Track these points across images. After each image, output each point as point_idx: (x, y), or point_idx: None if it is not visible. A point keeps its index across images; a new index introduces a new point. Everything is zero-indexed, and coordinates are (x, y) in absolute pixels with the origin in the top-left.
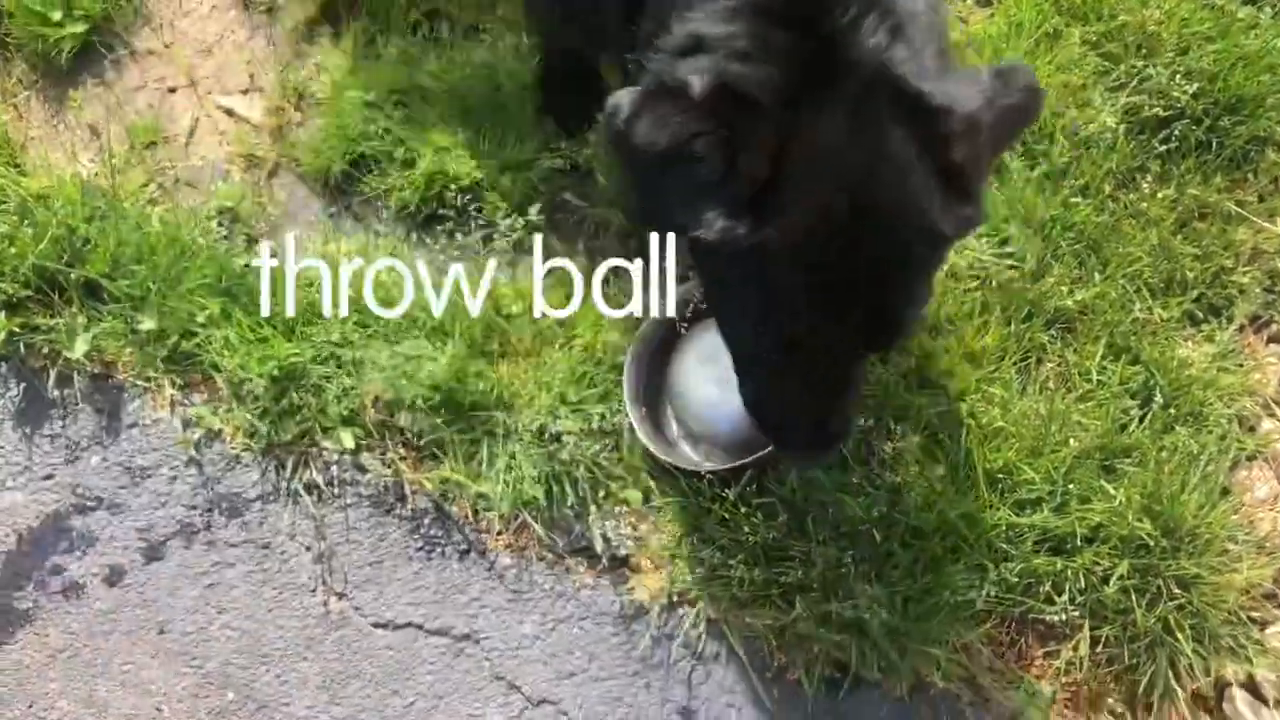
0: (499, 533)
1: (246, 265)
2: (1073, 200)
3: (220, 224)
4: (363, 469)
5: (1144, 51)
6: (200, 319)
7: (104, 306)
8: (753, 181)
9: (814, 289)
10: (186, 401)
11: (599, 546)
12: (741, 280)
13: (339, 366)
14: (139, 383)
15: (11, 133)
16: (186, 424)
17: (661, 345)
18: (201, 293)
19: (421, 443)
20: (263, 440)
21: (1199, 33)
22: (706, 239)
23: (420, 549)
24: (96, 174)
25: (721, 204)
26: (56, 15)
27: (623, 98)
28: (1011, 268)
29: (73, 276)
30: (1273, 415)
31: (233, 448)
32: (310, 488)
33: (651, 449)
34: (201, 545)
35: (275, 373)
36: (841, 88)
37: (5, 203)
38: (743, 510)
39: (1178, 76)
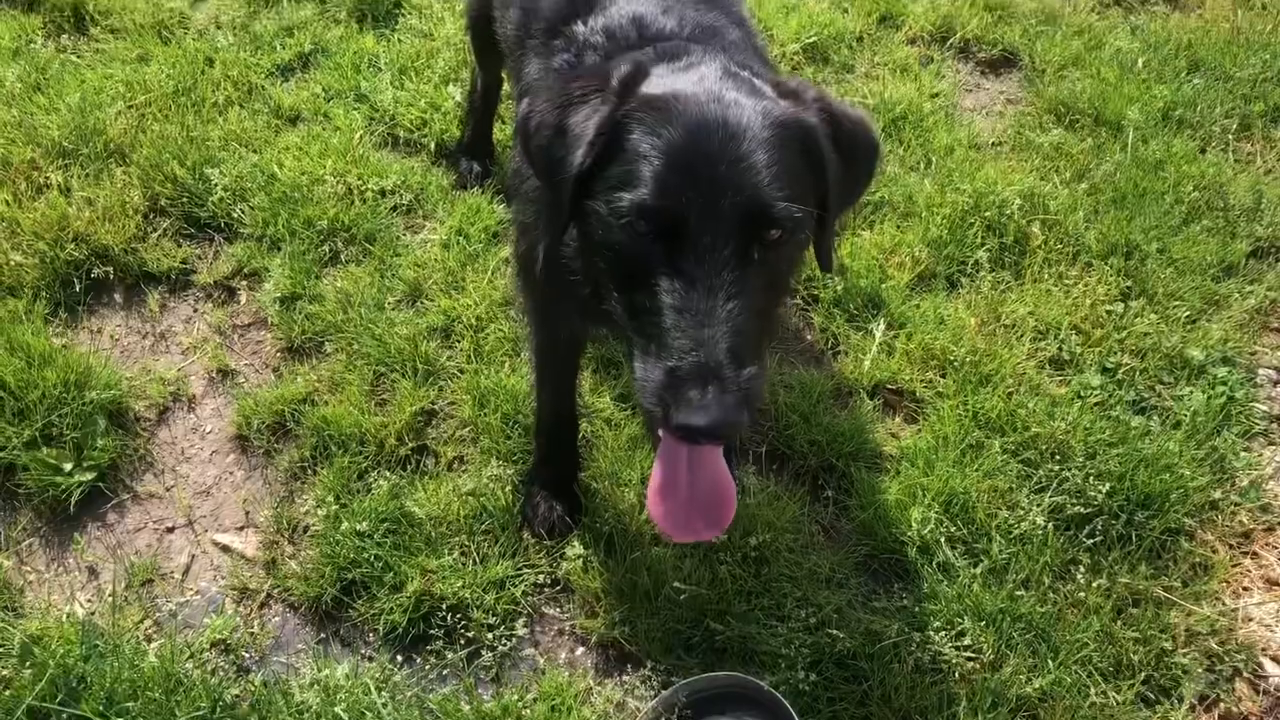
0: None
1: (238, 695)
2: (1017, 593)
3: (213, 656)
4: None
5: (1058, 457)
6: None
7: None
8: None
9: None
10: None
11: None
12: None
13: None
14: None
15: (12, 577)
16: None
17: None
18: None
19: None
20: None
21: (1102, 440)
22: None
23: None
24: (94, 612)
25: None
26: (68, 466)
27: None
28: (971, 659)
29: (65, 716)
30: None
31: None
32: None
33: None
34: None
35: None
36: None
37: (6, 644)
38: None
39: (1091, 478)
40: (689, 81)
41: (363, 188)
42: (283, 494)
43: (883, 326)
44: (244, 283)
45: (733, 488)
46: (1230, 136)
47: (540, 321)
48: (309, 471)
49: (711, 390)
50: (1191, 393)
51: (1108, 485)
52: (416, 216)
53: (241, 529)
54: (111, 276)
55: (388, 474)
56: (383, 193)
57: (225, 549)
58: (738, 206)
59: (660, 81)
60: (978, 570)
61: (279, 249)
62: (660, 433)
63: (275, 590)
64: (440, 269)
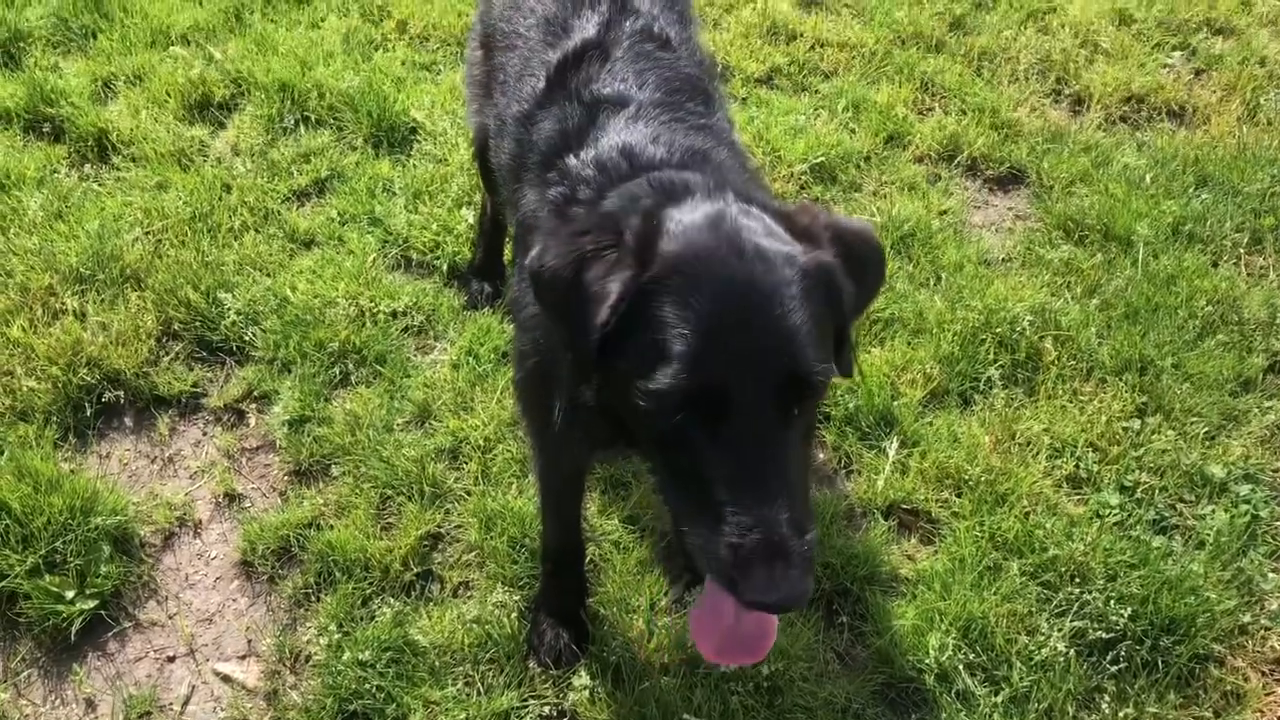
0: None
1: None
2: None
3: None
4: None
5: (1078, 580)
6: None
7: None
8: None
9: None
10: None
11: None
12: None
13: None
14: None
15: (9, 711)
16: None
17: None
18: None
19: None
20: None
21: (1123, 561)
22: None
23: None
24: None
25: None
26: (70, 594)
27: None
28: None
29: None
30: None
31: None
32: None
33: None
34: None
35: None
36: None
37: None
38: None
39: (1113, 601)
40: (705, 228)
41: (375, 309)
42: (285, 621)
43: (896, 445)
44: (254, 405)
45: (775, 622)
46: (1242, 250)
47: (544, 447)
48: (312, 598)
49: (778, 567)
50: (1214, 511)
51: (1130, 609)
52: (428, 337)
53: (243, 658)
54: (122, 400)
55: (391, 600)
56: (394, 314)
57: (226, 679)
58: (779, 374)
59: (677, 232)
60: (998, 699)
61: (290, 371)
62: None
63: None
64: (449, 389)
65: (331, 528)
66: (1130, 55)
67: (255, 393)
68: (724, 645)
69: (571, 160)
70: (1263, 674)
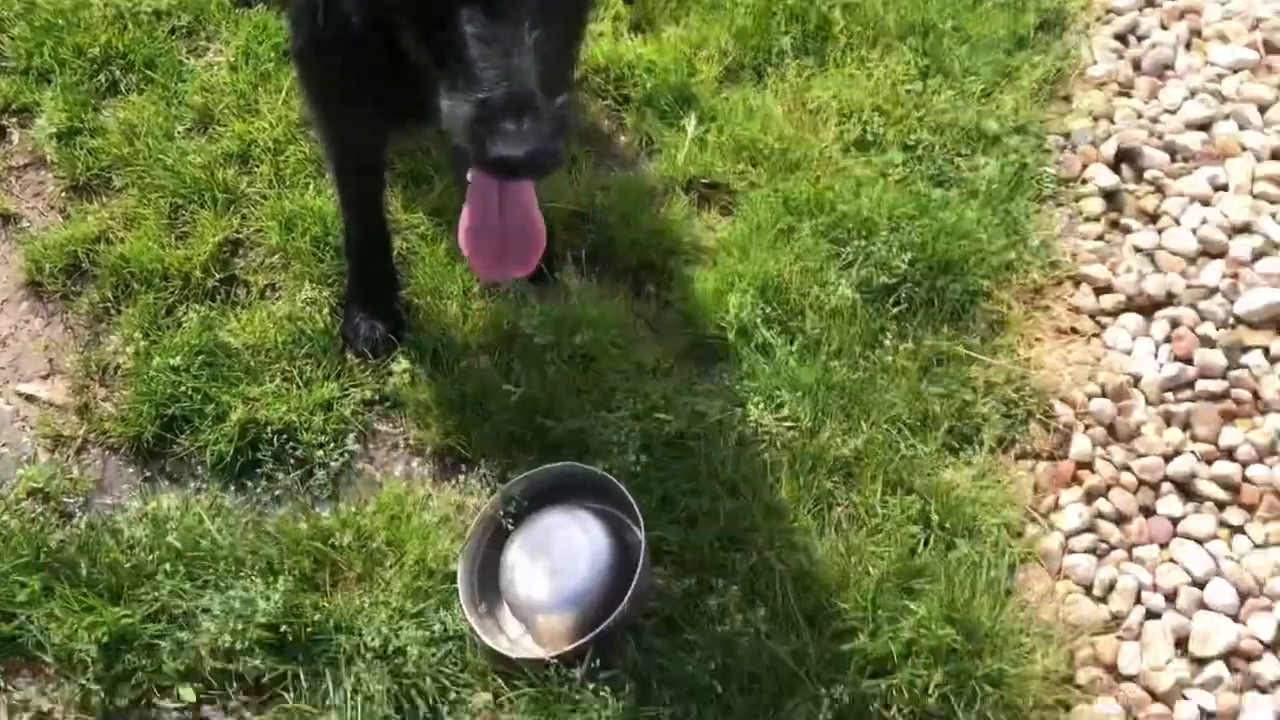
0: None
1: (63, 540)
2: (831, 364)
3: (32, 504)
4: None
5: (864, 233)
6: (21, 597)
7: None
8: None
9: None
10: (11, 687)
11: None
12: None
13: (171, 621)
14: None
15: None
16: (13, 711)
17: (491, 543)
18: (19, 573)
19: (264, 682)
20: (98, 711)
21: (905, 213)
22: None
23: None
24: None
25: None
26: None
27: None
28: (790, 429)
29: None
30: (1034, 521)
31: None
32: None
33: (494, 647)
34: None
35: (105, 638)
36: None
37: None
38: (590, 687)
39: (895, 249)
40: None
41: (135, 9)
42: (87, 337)
43: (694, 122)
44: (14, 120)
45: (543, 228)
46: None
47: (332, 123)
48: (112, 312)
49: (527, 121)
50: (987, 163)
51: (910, 255)
52: (199, 39)
53: (46, 377)
54: None
55: (197, 307)
56: (158, 15)
57: (30, 399)
58: None
59: None
60: (794, 347)
61: (49, 81)
62: (471, 175)
63: (91, 434)
64: (230, 92)
65: (122, 240)
66: None
67: (14, 106)
68: (493, 256)
69: None
70: (1024, 303)
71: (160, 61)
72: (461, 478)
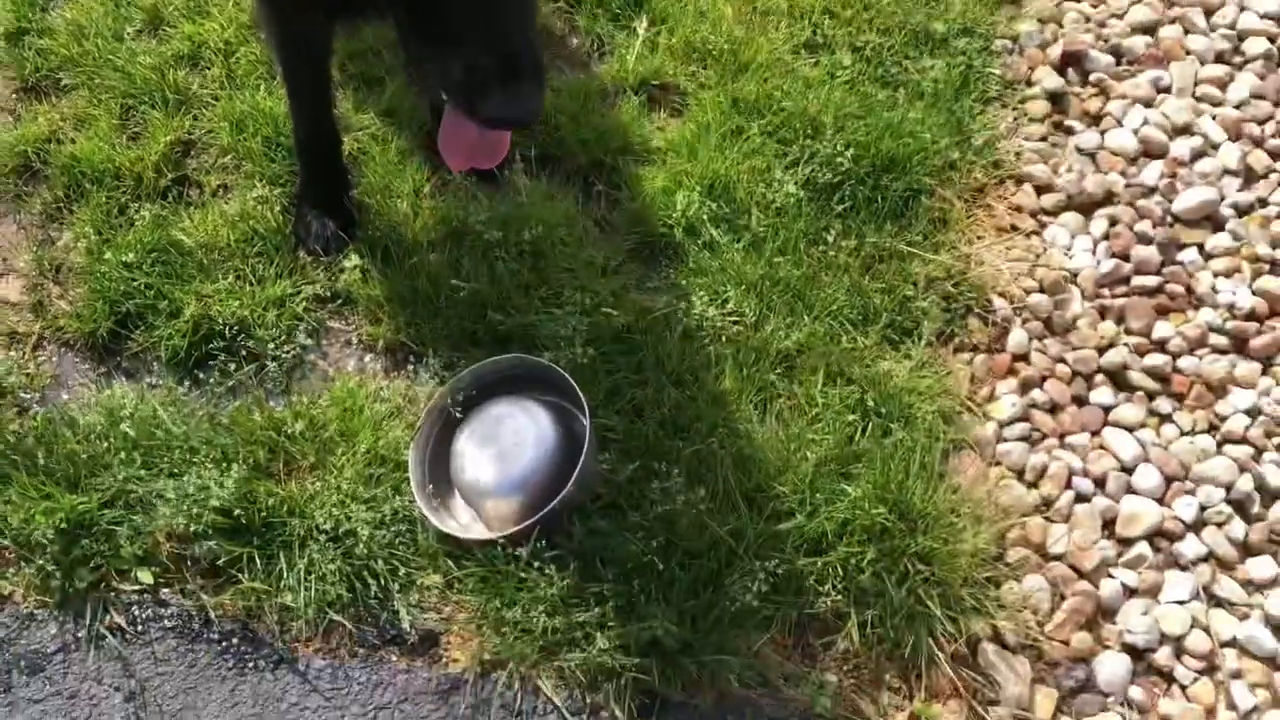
0: (308, 638)
1: (18, 432)
2: (776, 260)
3: None
4: (164, 603)
5: (810, 132)
6: None
7: None
8: None
9: None
10: None
11: (407, 631)
12: None
13: (128, 508)
14: None
15: None
16: None
17: (441, 433)
18: None
19: (220, 564)
20: (57, 594)
21: (851, 113)
22: None
23: (232, 668)
24: None
25: None
26: None
27: None
28: (735, 323)
29: None
30: (970, 410)
31: (25, 607)
32: (114, 630)
33: (444, 529)
34: (1, 709)
35: (63, 524)
36: None
37: None
38: (536, 566)
39: (839, 147)
40: None
41: None
42: (40, 236)
43: (645, 23)
44: None
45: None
46: None
47: (280, 21)
48: (65, 211)
49: (513, 84)
50: (934, 65)
51: (854, 152)
52: None
53: (0, 275)
54: None
55: (149, 206)
56: None
57: None
58: None
59: None
60: (740, 244)
61: None
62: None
63: (46, 331)
64: None
65: (73, 141)
66: None
67: None
68: (469, 155)
69: None
70: (965, 201)
71: None
72: (411, 369)
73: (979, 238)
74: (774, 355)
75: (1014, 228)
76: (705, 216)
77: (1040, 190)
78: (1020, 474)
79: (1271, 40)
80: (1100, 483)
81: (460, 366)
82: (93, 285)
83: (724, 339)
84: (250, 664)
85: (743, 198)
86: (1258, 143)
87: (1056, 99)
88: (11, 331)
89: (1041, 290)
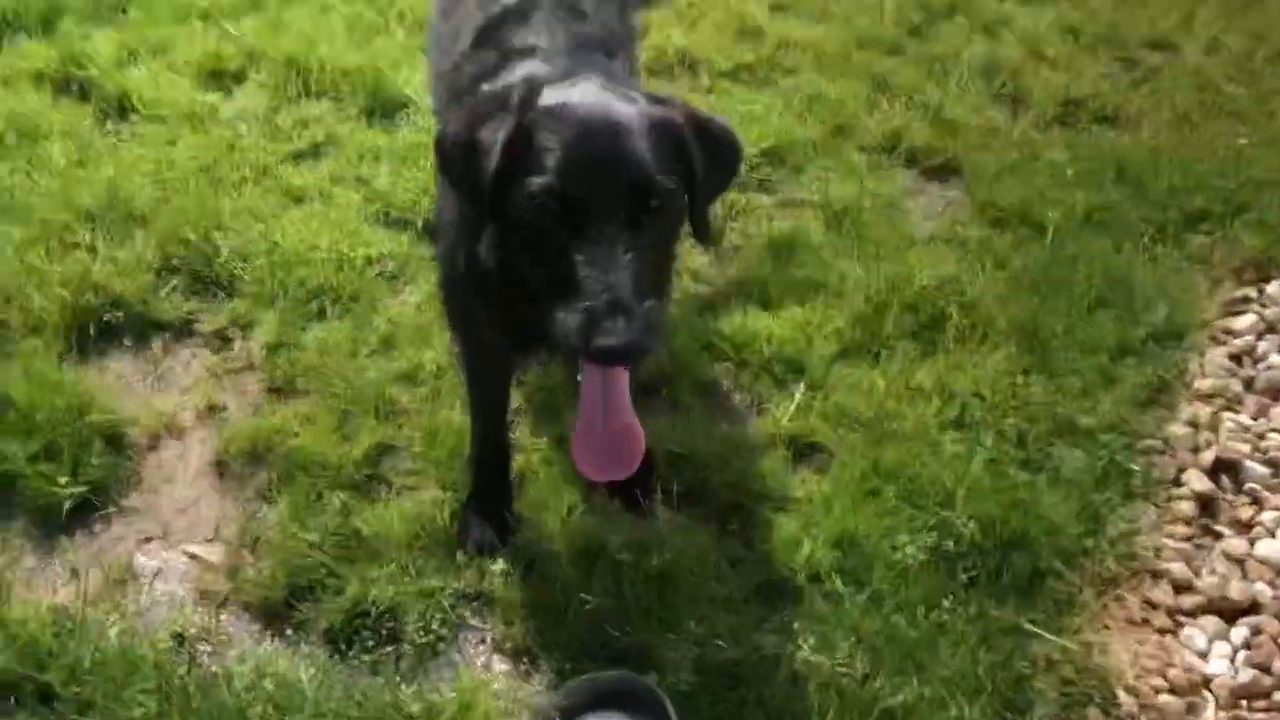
0: None
1: (184, 676)
2: (893, 617)
3: (170, 642)
4: None
5: (940, 501)
6: (136, 714)
7: (53, 713)
8: None
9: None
10: None
11: None
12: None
13: None
14: None
15: (5, 573)
16: None
17: None
18: (142, 694)
19: None
20: None
21: (984, 488)
22: None
23: None
24: (70, 606)
25: None
26: (63, 480)
27: None
28: (844, 674)
29: (31, 685)
30: None
31: None
32: None
33: None
34: None
35: None
36: None
37: None
38: None
39: (969, 519)
40: (576, 93)
41: (354, 255)
42: (250, 512)
43: (802, 388)
44: (239, 332)
45: (641, 434)
46: (1144, 239)
47: (466, 333)
48: (274, 492)
49: (621, 319)
50: (1076, 455)
51: (979, 524)
52: (399, 282)
53: (210, 541)
54: (123, 322)
55: (341, 494)
56: (370, 260)
57: (194, 557)
58: (626, 183)
59: (552, 94)
60: (860, 597)
61: (273, 305)
62: (581, 378)
63: (232, 593)
64: (412, 325)
65: (296, 435)
66: (1072, 65)
67: (241, 322)
68: (601, 459)
69: (484, 86)
70: (1096, 589)
71: (362, 296)
72: (525, 670)
73: (1106, 627)
74: (878, 713)
75: (1146, 622)
76: (830, 567)
77: (1179, 589)
78: None
79: None
80: None
81: (569, 675)
82: (279, 558)
83: (831, 688)
84: None
85: (869, 554)
86: None
87: (1206, 502)
88: (205, 590)
89: (1172, 691)
